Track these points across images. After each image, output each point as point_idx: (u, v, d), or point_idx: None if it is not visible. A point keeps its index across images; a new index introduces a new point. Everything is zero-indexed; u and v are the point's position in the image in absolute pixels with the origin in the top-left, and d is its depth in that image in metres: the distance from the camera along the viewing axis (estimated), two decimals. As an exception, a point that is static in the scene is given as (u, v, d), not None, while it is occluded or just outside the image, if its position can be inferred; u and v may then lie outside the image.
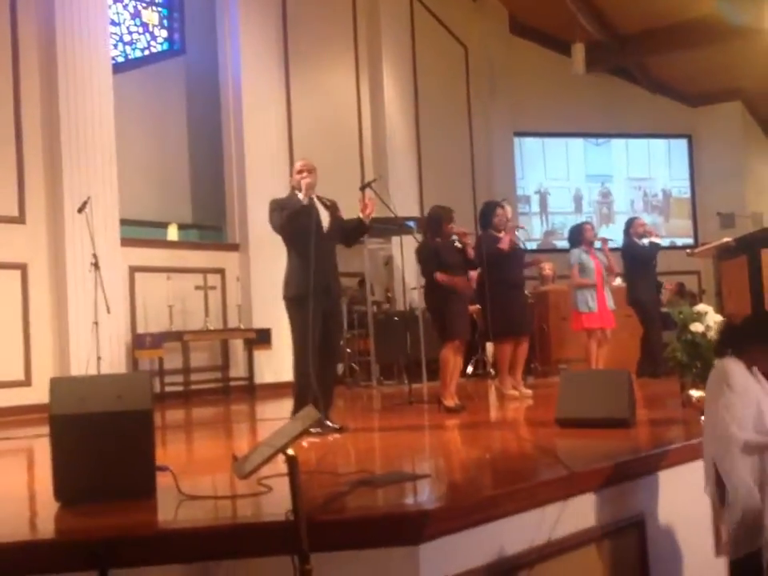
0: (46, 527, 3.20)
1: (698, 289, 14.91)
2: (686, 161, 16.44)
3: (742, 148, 16.14)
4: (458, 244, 6.81)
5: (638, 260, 8.96)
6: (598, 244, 8.79)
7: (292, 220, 5.50)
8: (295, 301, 5.56)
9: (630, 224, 9.28)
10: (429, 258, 6.66)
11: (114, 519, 3.04)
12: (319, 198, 5.71)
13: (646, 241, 9.06)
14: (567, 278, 8.75)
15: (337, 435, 5.38)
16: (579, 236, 8.48)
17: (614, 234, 10.36)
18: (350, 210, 5.97)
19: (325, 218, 5.65)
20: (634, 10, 13.40)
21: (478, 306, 8.27)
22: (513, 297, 7.40)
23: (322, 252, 5.50)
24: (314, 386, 5.36)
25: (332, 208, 5.75)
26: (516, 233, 7.90)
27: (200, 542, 2.88)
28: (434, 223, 6.81)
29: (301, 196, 5.54)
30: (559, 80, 14.63)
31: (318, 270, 5.45)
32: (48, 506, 3.32)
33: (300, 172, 5.62)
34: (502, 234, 7.44)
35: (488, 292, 7.24)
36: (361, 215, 5.71)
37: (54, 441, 3.33)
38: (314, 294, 5.42)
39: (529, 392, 7.53)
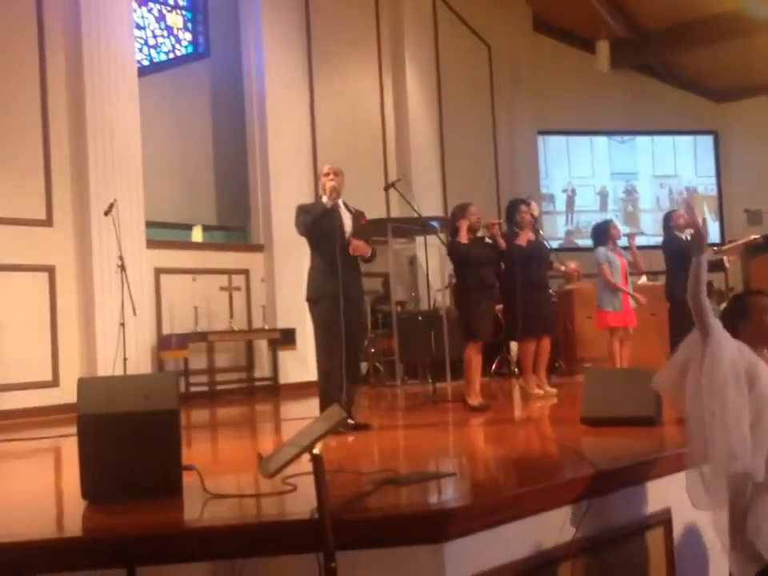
0: (74, 525, 3.24)
1: (725, 286, 14.77)
2: (711, 157, 16.29)
3: (769, 144, 15.97)
4: (488, 239, 6.81)
5: (681, 254, 8.73)
6: (624, 241, 8.70)
7: (315, 223, 5.56)
8: (316, 302, 5.65)
9: (670, 217, 9.07)
10: (459, 258, 6.66)
11: (140, 517, 3.07)
12: (345, 205, 5.77)
13: (688, 233, 8.87)
14: (592, 276, 8.69)
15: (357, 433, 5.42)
16: (605, 234, 8.38)
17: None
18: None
19: (348, 223, 5.70)
20: (657, 6, 13.32)
21: (499, 306, 8.26)
22: (537, 296, 7.36)
23: (343, 255, 5.54)
24: (339, 384, 5.43)
25: (356, 216, 5.79)
26: (540, 231, 7.87)
27: (226, 540, 2.90)
28: (454, 222, 6.83)
29: (325, 199, 5.60)
30: (583, 78, 14.57)
31: (343, 270, 5.49)
32: (76, 505, 3.35)
33: (326, 175, 5.70)
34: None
35: (506, 290, 7.25)
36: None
37: (81, 440, 3.36)
38: (335, 295, 5.48)
39: (553, 390, 7.50)
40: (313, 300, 5.68)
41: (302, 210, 5.72)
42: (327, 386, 5.52)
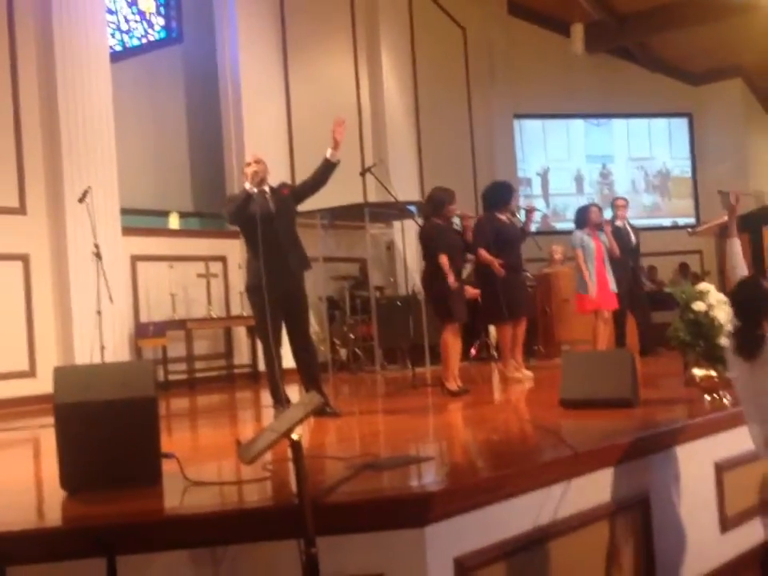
0: (53, 515, 3.22)
1: (700, 268, 14.90)
2: (686, 140, 16.39)
3: (743, 125, 16.09)
4: (457, 227, 6.80)
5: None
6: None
7: (240, 210, 5.62)
8: (251, 290, 5.70)
9: (614, 204, 9.49)
10: (434, 240, 6.58)
11: (120, 506, 3.05)
12: (272, 188, 5.80)
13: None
14: (573, 260, 8.72)
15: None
16: (583, 218, 8.46)
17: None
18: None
19: (272, 203, 5.71)
20: (632, -12, 13.34)
21: (477, 291, 8.27)
22: (511, 279, 7.39)
23: (274, 237, 5.54)
24: (277, 373, 5.59)
25: (277, 192, 5.79)
26: (515, 214, 7.89)
27: (206, 527, 2.89)
28: (436, 204, 6.72)
29: (247, 185, 5.64)
30: (559, 61, 14.58)
31: (272, 256, 5.50)
32: (54, 495, 3.33)
33: (248, 165, 5.77)
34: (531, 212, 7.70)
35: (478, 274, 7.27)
36: (330, 151, 5.67)
37: (58, 429, 3.33)
38: (270, 280, 5.48)
39: (530, 374, 7.53)
40: (247, 288, 5.77)
41: (228, 200, 5.89)
42: (272, 372, 5.64)
